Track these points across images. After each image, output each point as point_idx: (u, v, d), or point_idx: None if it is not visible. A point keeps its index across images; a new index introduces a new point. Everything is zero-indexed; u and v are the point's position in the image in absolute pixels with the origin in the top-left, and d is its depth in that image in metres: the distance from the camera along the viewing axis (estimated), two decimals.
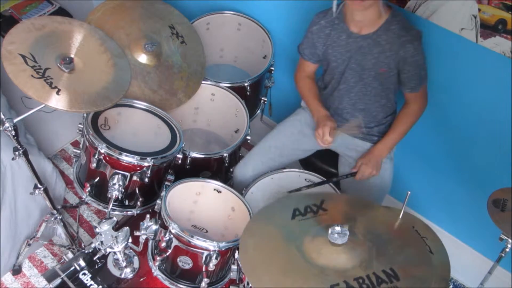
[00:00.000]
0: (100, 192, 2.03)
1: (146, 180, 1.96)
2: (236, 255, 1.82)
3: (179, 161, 2.07)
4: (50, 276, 1.98)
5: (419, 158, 2.35)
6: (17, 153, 1.87)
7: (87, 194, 2.02)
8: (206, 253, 1.80)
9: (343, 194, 2.10)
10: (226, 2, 2.60)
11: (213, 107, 2.43)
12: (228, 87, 2.36)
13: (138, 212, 2.07)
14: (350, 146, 2.15)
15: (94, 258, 1.98)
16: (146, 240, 1.89)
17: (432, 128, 2.19)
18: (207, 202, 2.06)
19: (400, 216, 1.56)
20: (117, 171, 1.92)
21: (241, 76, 2.63)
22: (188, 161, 2.13)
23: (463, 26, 1.83)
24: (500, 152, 2.01)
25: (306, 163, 2.31)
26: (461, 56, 1.91)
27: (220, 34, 2.63)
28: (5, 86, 2.37)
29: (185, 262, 1.86)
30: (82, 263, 1.98)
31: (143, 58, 2.19)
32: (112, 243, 1.76)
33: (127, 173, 1.93)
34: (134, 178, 1.95)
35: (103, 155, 1.90)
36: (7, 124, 1.78)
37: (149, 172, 1.94)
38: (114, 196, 1.93)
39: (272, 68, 2.51)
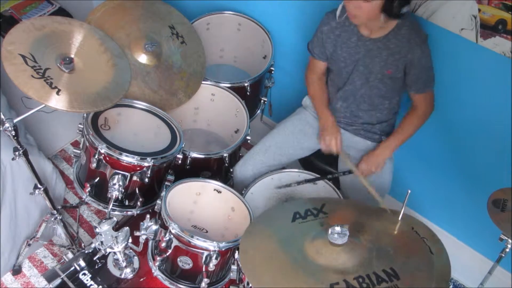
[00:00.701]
0: (100, 192, 2.03)
1: (146, 180, 1.95)
2: (236, 255, 1.82)
3: (179, 161, 2.07)
4: (50, 276, 1.98)
5: (419, 158, 2.35)
6: (17, 153, 1.87)
7: (87, 194, 2.01)
8: (206, 253, 1.80)
9: (343, 199, 2.10)
10: (226, 2, 2.60)
11: (213, 107, 2.43)
12: (228, 87, 2.36)
13: (138, 212, 2.07)
14: (350, 144, 2.15)
15: (94, 258, 1.98)
16: (146, 240, 1.89)
17: (432, 128, 2.18)
18: (207, 202, 2.06)
19: (400, 216, 1.56)
20: (117, 171, 1.92)
21: (241, 76, 2.63)
22: (188, 161, 2.13)
23: (463, 26, 1.83)
24: (500, 152, 2.01)
25: (306, 163, 2.31)
26: (461, 56, 1.91)
27: (220, 34, 2.63)
28: (5, 86, 2.37)
29: (185, 262, 1.86)
30: (82, 263, 1.98)
31: (143, 58, 2.19)
32: (112, 243, 1.76)
33: (127, 173, 1.93)
34: (134, 178, 1.95)
35: (103, 155, 1.90)
36: (7, 124, 1.78)
37: (149, 172, 1.94)
38: (114, 196, 1.93)
39: (272, 68, 2.51)
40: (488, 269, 1.87)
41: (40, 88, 1.77)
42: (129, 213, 2.08)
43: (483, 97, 1.95)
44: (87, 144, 1.94)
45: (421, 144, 2.29)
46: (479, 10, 1.76)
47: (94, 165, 1.91)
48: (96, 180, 2.00)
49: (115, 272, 1.99)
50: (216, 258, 1.79)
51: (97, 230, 1.73)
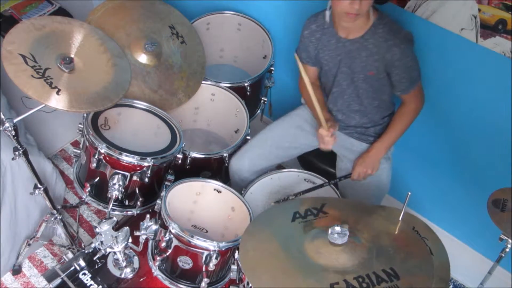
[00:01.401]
0: (100, 192, 2.03)
1: (146, 180, 1.96)
2: (236, 255, 1.82)
3: (179, 161, 2.07)
4: (50, 276, 1.98)
5: (419, 158, 2.35)
6: (17, 153, 1.87)
7: (87, 194, 2.02)
8: (206, 253, 1.80)
9: (343, 198, 2.10)
10: (226, 2, 2.60)
11: (213, 107, 2.43)
12: (228, 87, 2.36)
13: (138, 212, 2.07)
14: (346, 146, 2.15)
15: (94, 258, 1.98)
16: (146, 240, 1.89)
17: (432, 128, 2.19)
18: (207, 202, 2.06)
19: (401, 217, 1.56)
20: (117, 171, 1.92)
21: (241, 76, 2.63)
22: (188, 161, 2.13)
23: (463, 26, 1.83)
24: (500, 152, 2.01)
25: (306, 163, 2.31)
26: (461, 56, 1.91)
27: (220, 34, 2.63)
28: (5, 86, 2.37)
29: (185, 262, 1.86)
30: (82, 263, 1.98)
31: (143, 58, 2.19)
32: (112, 243, 1.76)
33: (127, 173, 1.93)
34: (134, 178, 1.95)
35: (103, 155, 1.90)
36: (7, 124, 1.78)
37: (149, 172, 1.94)
38: (114, 196, 1.93)
39: (272, 68, 2.51)
40: (488, 269, 1.87)
41: (40, 88, 1.77)
42: (129, 213, 2.08)
43: (483, 97, 1.95)
44: (87, 144, 1.94)
45: (421, 144, 2.29)
46: (479, 10, 1.76)
47: (94, 165, 1.91)
48: (96, 180, 2.00)
49: (115, 272, 1.99)
50: (216, 258, 1.79)
51: (97, 230, 1.73)
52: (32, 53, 1.82)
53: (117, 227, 1.83)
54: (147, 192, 2.07)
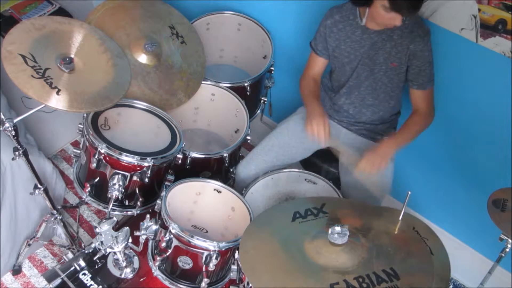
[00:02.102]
0: (100, 192, 2.03)
1: (146, 180, 1.95)
2: (236, 255, 1.82)
3: (179, 161, 2.07)
4: (50, 276, 1.99)
5: (419, 158, 2.35)
6: (17, 153, 1.87)
7: (87, 194, 2.01)
8: (206, 253, 1.80)
9: (344, 198, 2.10)
10: (226, 2, 2.60)
11: (213, 107, 2.43)
12: (228, 87, 2.36)
13: (138, 212, 2.07)
14: (352, 144, 2.14)
15: (94, 258, 1.98)
16: (146, 240, 1.89)
17: (432, 128, 2.18)
18: (207, 202, 2.06)
19: (401, 217, 1.56)
20: (117, 171, 1.92)
21: (241, 76, 2.63)
22: (188, 161, 2.13)
23: (463, 26, 1.83)
24: (500, 152, 2.01)
25: (306, 163, 2.31)
26: (461, 56, 1.91)
27: (220, 34, 2.63)
28: (5, 86, 2.37)
29: (185, 262, 1.86)
30: (82, 263, 1.99)
31: (143, 58, 2.19)
32: (112, 243, 1.76)
33: (127, 173, 1.93)
34: (134, 178, 1.95)
35: (103, 155, 1.90)
36: (7, 124, 1.78)
37: (149, 172, 1.94)
38: (114, 196, 1.93)
39: (272, 68, 2.51)
40: (488, 269, 1.87)
41: (40, 88, 1.77)
42: (129, 213, 2.08)
43: (483, 97, 1.95)
44: (87, 144, 1.94)
45: (422, 144, 2.29)
46: (479, 10, 1.76)
47: (94, 165, 1.91)
48: (96, 180, 2.00)
49: (115, 272, 1.99)
50: (216, 258, 1.79)
51: (97, 230, 1.73)
52: (32, 53, 1.82)
53: (117, 227, 1.83)
54: (147, 192, 2.07)
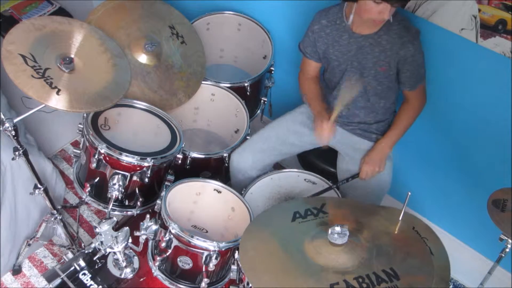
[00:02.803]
0: (100, 192, 2.03)
1: (146, 180, 1.96)
2: (236, 255, 1.82)
3: (179, 161, 2.07)
4: (50, 276, 1.99)
5: (419, 158, 2.35)
6: (17, 153, 1.87)
7: (87, 194, 2.02)
8: (206, 253, 1.80)
9: (343, 198, 2.10)
10: (226, 2, 2.60)
11: (213, 107, 2.43)
12: (228, 87, 2.36)
13: (138, 212, 2.07)
14: (348, 144, 2.15)
15: (94, 258, 1.98)
16: (146, 240, 1.89)
17: (432, 128, 2.18)
18: (207, 202, 2.06)
19: (401, 217, 1.56)
20: (117, 171, 1.92)
21: (241, 76, 2.63)
22: (188, 161, 2.13)
23: (463, 26, 1.83)
24: (500, 152, 2.01)
25: (306, 163, 2.31)
26: (461, 56, 1.91)
27: (220, 34, 2.63)
28: (5, 86, 2.37)
29: (185, 262, 1.86)
30: (82, 263, 1.99)
31: (143, 58, 2.19)
32: (112, 243, 1.76)
33: (127, 173, 1.93)
34: (134, 178, 1.95)
35: (103, 155, 1.90)
36: (7, 124, 1.78)
37: (149, 172, 1.94)
38: (114, 196, 1.93)
39: (272, 68, 2.51)
40: (488, 269, 1.87)
41: (40, 88, 1.77)
42: (129, 213, 2.08)
43: (483, 97, 1.95)
44: (87, 144, 1.94)
45: (421, 144, 2.29)
46: (479, 10, 1.76)
47: (94, 165, 1.91)
48: (96, 180, 2.00)
49: (115, 272, 1.99)
50: (216, 258, 1.79)
51: (97, 230, 1.73)
52: (32, 53, 1.82)
53: (117, 227, 1.83)
54: (147, 192, 2.07)
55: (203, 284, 1.87)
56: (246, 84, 2.36)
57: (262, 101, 2.57)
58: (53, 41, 1.91)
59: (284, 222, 1.64)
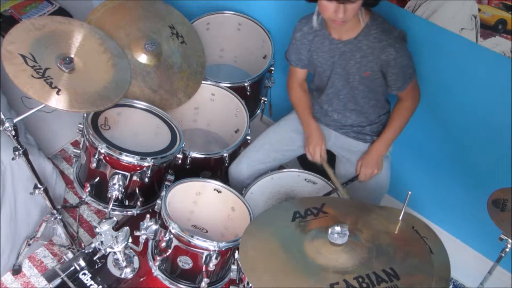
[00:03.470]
0: (100, 192, 2.03)
1: (146, 180, 1.96)
2: (236, 255, 1.82)
3: (179, 161, 2.07)
4: (50, 276, 1.98)
5: (419, 158, 2.35)
6: (17, 153, 1.87)
7: (87, 194, 2.02)
8: (206, 253, 1.80)
9: (343, 198, 2.10)
10: (226, 2, 2.60)
11: (213, 107, 2.43)
12: (228, 87, 2.36)
13: (138, 212, 2.07)
14: (343, 146, 2.15)
15: (94, 258, 1.98)
16: (146, 240, 1.89)
17: (432, 128, 2.19)
18: (207, 202, 2.06)
19: (401, 217, 1.56)
20: (117, 171, 1.92)
21: (241, 76, 2.63)
22: (188, 161, 2.13)
23: (463, 26, 1.83)
24: (500, 152, 2.01)
25: (306, 163, 2.31)
26: (461, 56, 1.91)
27: (220, 34, 2.63)
28: (5, 86, 2.37)
29: (185, 262, 1.86)
30: (82, 263, 1.99)
31: (143, 58, 2.19)
32: (112, 243, 1.76)
33: (127, 173, 1.93)
34: (134, 178, 1.95)
35: (103, 155, 1.90)
36: (7, 124, 1.78)
37: (149, 172, 1.94)
38: (114, 196, 1.93)
39: (272, 68, 2.51)
40: (488, 269, 1.87)
41: (40, 88, 1.77)
42: (129, 213, 2.08)
43: (483, 97, 1.95)
44: (87, 144, 1.94)
45: (421, 144, 2.29)
46: (479, 10, 1.76)
47: (94, 165, 1.91)
48: (96, 180, 2.00)
49: (115, 272, 1.99)
50: (216, 258, 1.79)
51: (97, 230, 1.73)
52: (32, 53, 1.82)
53: (117, 227, 1.83)
54: (147, 192, 2.07)
55: (203, 284, 1.87)
56: (246, 84, 2.36)
57: (262, 101, 2.57)
58: (53, 41, 1.91)
59: (284, 222, 1.64)
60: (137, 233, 1.85)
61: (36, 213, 2.40)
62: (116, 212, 2.07)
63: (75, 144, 2.89)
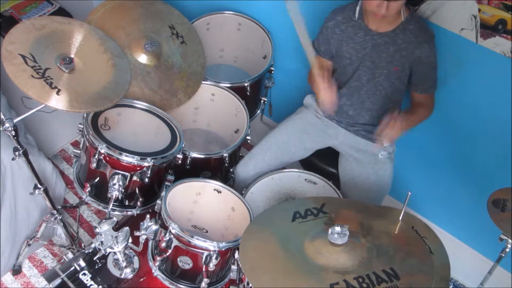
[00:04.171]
0: (100, 192, 2.03)
1: (146, 180, 1.95)
2: (236, 255, 1.82)
3: (179, 161, 2.07)
4: (50, 276, 1.99)
5: (419, 158, 2.35)
6: (17, 153, 1.87)
7: (87, 194, 2.01)
8: (206, 253, 1.80)
9: (343, 198, 2.10)
10: (226, 2, 2.60)
11: (213, 107, 2.43)
12: (228, 87, 2.36)
13: (138, 212, 2.07)
14: (352, 145, 2.15)
15: (94, 258, 1.98)
16: (146, 240, 1.89)
17: (432, 128, 2.18)
18: (207, 202, 2.06)
19: (401, 217, 1.56)
20: (117, 171, 1.92)
21: (241, 76, 2.63)
22: (188, 161, 2.13)
23: (463, 26, 1.83)
24: (500, 152, 2.01)
25: (306, 163, 2.31)
26: (461, 56, 1.91)
27: (220, 34, 2.63)
28: (5, 86, 2.37)
29: (185, 262, 1.86)
30: (82, 263, 1.98)
31: (143, 58, 2.19)
32: (112, 243, 1.76)
33: (127, 173, 1.93)
34: (134, 178, 1.95)
35: (103, 155, 1.90)
36: (7, 124, 1.78)
37: (149, 172, 1.94)
38: (114, 196, 1.93)
39: (272, 68, 2.51)
40: (488, 269, 1.87)
41: (40, 88, 1.77)
42: (129, 213, 2.08)
43: (483, 97, 1.95)
44: (87, 144, 1.94)
45: (421, 144, 2.29)
46: (479, 10, 1.76)
47: (94, 165, 1.91)
48: (96, 180, 2.00)
49: (115, 272, 1.99)
50: (216, 258, 1.79)
51: (97, 230, 1.73)
52: (32, 53, 1.82)
53: (117, 227, 1.83)
54: (147, 192, 2.07)
55: (203, 284, 1.87)
56: (246, 84, 2.36)
57: (262, 101, 2.57)
58: (53, 41, 1.91)
59: (284, 222, 1.64)
60: (137, 233, 1.85)
61: (36, 213, 2.40)
62: (116, 212, 2.07)
63: (75, 144, 2.89)
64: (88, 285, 1.95)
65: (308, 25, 2.04)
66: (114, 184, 1.92)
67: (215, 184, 2.02)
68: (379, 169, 2.09)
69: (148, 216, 1.86)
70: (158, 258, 1.90)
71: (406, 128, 1.95)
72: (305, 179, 2.16)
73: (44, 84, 1.78)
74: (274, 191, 2.15)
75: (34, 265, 2.47)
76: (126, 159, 1.89)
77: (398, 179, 2.26)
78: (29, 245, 2.34)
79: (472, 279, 2.44)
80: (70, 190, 2.73)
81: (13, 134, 1.80)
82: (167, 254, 1.86)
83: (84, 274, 1.98)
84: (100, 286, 1.95)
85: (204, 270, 1.83)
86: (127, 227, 1.81)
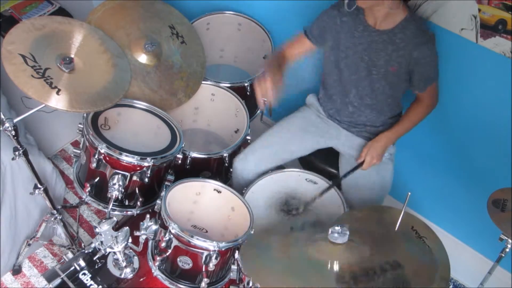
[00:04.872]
0: (100, 192, 2.03)
1: (146, 180, 1.95)
2: (236, 255, 1.82)
3: (179, 161, 2.07)
4: (50, 276, 1.98)
5: (419, 158, 2.35)
6: (17, 153, 1.87)
7: (87, 194, 2.01)
8: (206, 253, 1.80)
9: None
10: (226, 2, 2.60)
11: (213, 107, 2.43)
12: (228, 87, 2.36)
13: (138, 212, 2.07)
14: (354, 146, 2.15)
15: (94, 258, 1.98)
16: (146, 240, 1.89)
17: (432, 128, 2.19)
18: (207, 202, 2.06)
19: (401, 217, 1.56)
20: (117, 171, 1.92)
21: (241, 76, 2.63)
22: (188, 161, 2.13)
23: (463, 26, 1.83)
24: (500, 152, 2.01)
25: (306, 163, 2.31)
26: (461, 56, 1.91)
27: (220, 34, 2.63)
28: (5, 86, 2.37)
29: (185, 262, 1.86)
30: (82, 263, 1.98)
31: (143, 58, 2.19)
32: (112, 243, 1.76)
33: (127, 173, 1.93)
34: (134, 178, 1.95)
35: (103, 155, 1.90)
36: (7, 124, 1.78)
37: (149, 172, 1.94)
38: (114, 196, 1.93)
39: None
40: (488, 269, 1.87)
41: (40, 88, 1.77)
42: (129, 213, 2.08)
43: (483, 97, 1.95)
44: (87, 144, 1.94)
45: (421, 144, 2.29)
46: (479, 10, 1.76)
47: (94, 165, 1.91)
48: (96, 180, 2.00)
49: (115, 272, 1.99)
50: (216, 258, 1.79)
51: (97, 230, 1.73)
52: (32, 53, 1.82)
53: (117, 227, 1.83)
54: (147, 192, 2.07)
55: (203, 284, 1.87)
56: (246, 84, 2.36)
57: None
58: (53, 41, 1.91)
59: (283, 227, 1.64)
60: (137, 233, 1.85)
61: (36, 213, 2.40)
62: (116, 212, 2.07)
63: (75, 144, 2.89)
64: (88, 285, 1.95)
65: (309, 20, 2.03)
66: (114, 184, 1.92)
67: (215, 184, 2.02)
68: (380, 169, 2.09)
69: (148, 216, 1.86)
70: (158, 258, 1.90)
71: (399, 136, 2.05)
72: (306, 179, 2.16)
73: (44, 84, 1.79)
74: (274, 190, 2.15)
75: (34, 265, 2.47)
76: (126, 159, 1.89)
77: (398, 179, 2.26)
78: (29, 245, 2.34)
79: (472, 279, 2.44)
80: (70, 190, 2.73)
81: (13, 134, 1.80)
82: (167, 254, 1.86)
83: (84, 274, 1.97)
84: (100, 286, 1.95)
85: (204, 270, 1.83)
86: (127, 227, 1.81)
